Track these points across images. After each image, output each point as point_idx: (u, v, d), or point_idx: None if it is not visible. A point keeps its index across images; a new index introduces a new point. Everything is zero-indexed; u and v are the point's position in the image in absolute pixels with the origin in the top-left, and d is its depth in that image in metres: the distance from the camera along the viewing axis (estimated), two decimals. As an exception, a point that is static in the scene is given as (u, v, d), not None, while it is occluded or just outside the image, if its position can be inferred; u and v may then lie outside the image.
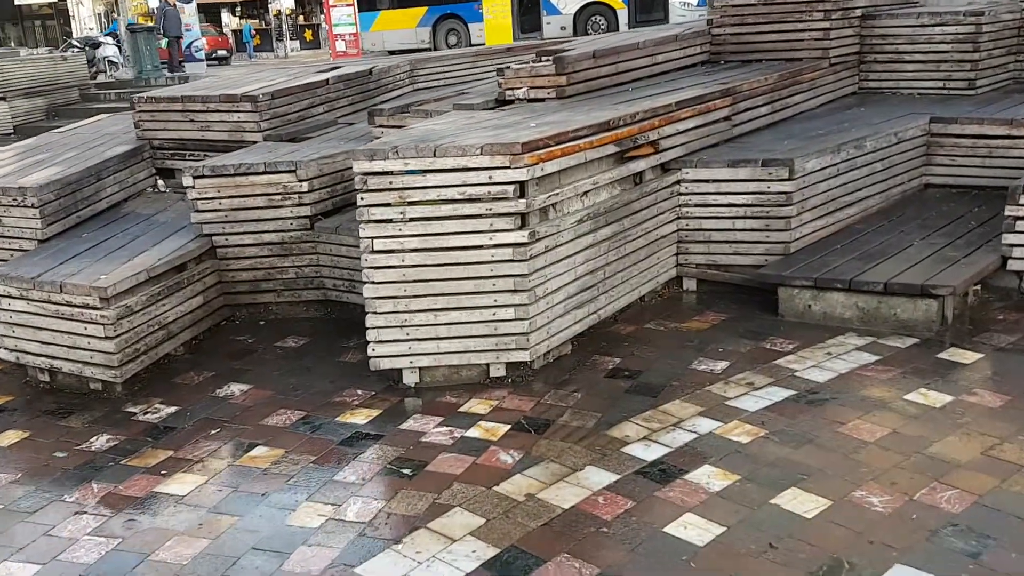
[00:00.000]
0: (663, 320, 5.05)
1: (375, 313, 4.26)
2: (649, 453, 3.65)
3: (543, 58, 5.62)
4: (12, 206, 5.24)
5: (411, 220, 4.17)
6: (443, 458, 3.71)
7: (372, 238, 4.18)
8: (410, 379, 4.39)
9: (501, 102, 5.69)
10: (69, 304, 4.43)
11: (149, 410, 4.37)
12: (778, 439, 3.71)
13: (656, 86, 6.09)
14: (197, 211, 5.21)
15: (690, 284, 5.52)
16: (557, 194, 4.37)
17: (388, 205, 4.17)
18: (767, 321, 4.94)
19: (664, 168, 5.34)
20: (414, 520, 3.28)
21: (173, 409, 4.36)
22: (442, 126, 4.81)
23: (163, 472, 3.78)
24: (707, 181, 5.34)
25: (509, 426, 3.95)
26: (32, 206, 5.19)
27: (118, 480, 3.74)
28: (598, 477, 3.50)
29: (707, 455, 3.61)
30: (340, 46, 24.12)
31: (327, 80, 7.13)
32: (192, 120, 6.38)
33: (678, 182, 5.34)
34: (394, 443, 3.87)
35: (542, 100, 5.66)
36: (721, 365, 4.44)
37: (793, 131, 6.11)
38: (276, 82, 6.76)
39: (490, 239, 4.18)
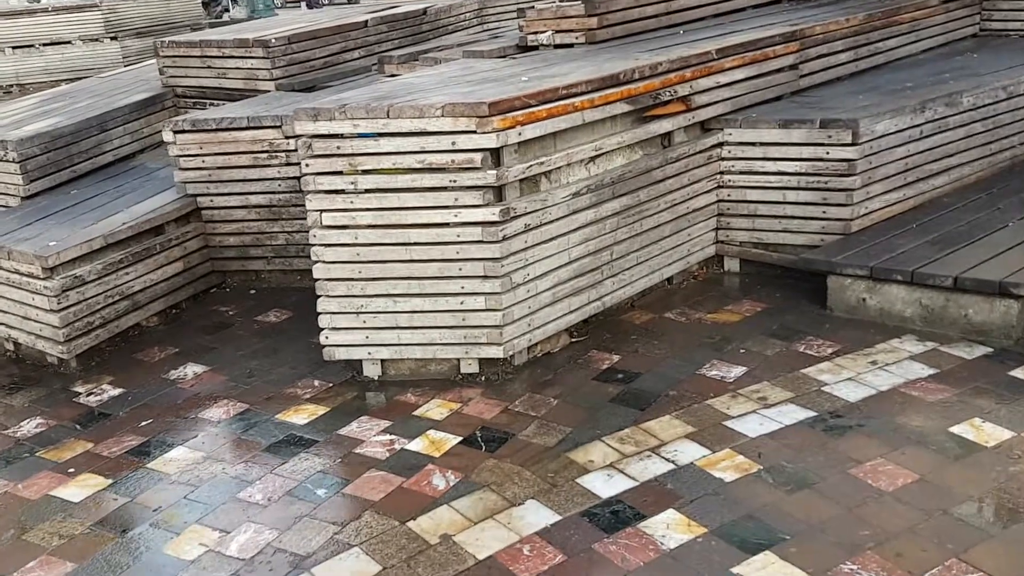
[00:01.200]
0: (688, 308, 4.32)
1: (327, 296, 3.72)
2: (608, 487, 3.00)
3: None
4: (1, 160, 4.96)
5: (365, 191, 3.59)
6: (369, 477, 3.17)
7: (320, 211, 3.62)
8: (371, 371, 3.85)
9: (523, 48, 4.98)
10: (17, 272, 4.09)
11: (94, 391, 4.01)
12: (771, 479, 2.98)
13: (716, 28, 5.23)
14: (180, 169, 4.78)
15: (732, 264, 4.74)
16: (542, 163, 3.69)
17: (339, 173, 3.59)
18: (812, 315, 4.13)
19: (704, 128, 4.54)
20: (300, 561, 2.77)
21: (118, 392, 3.98)
22: (422, 79, 4.18)
23: (71, 470, 3.40)
24: (753, 144, 4.51)
25: (459, 439, 3.37)
26: (12, 160, 4.89)
27: (22, 476, 3.38)
28: (536, 516, 2.88)
29: (677, 495, 2.94)
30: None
31: (365, 22, 6.56)
32: (210, 67, 5.95)
33: (719, 144, 4.54)
34: (323, 452, 3.35)
35: (570, 46, 4.92)
36: (736, 371, 3.70)
37: (878, 83, 5.16)
38: (299, 25, 6.24)
39: (455, 216, 3.56)
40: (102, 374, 4.15)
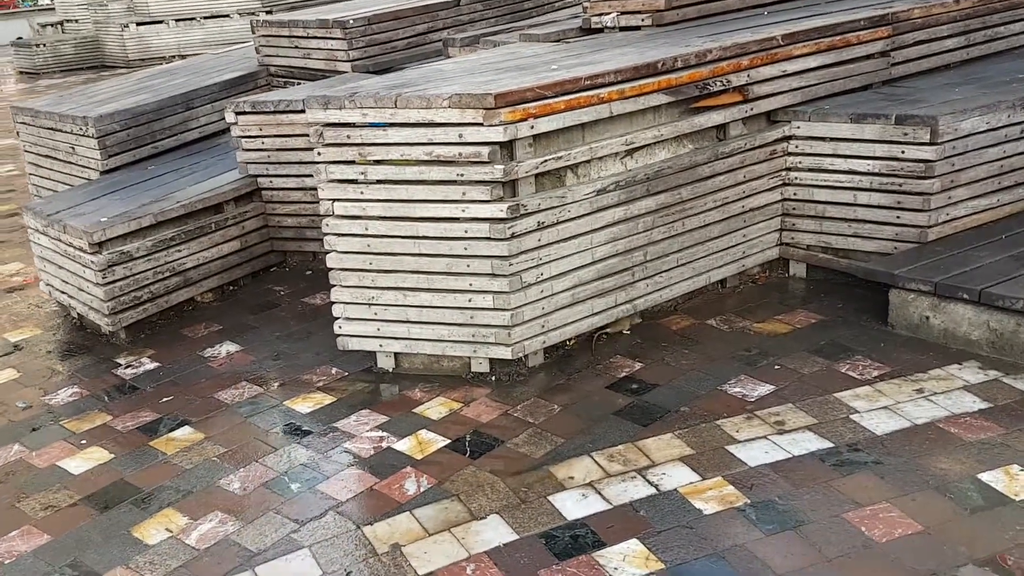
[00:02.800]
0: (735, 315, 4.03)
1: (341, 286, 3.69)
2: (578, 508, 2.83)
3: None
4: (81, 135, 5.20)
5: (375, 182, 3.52)
6: (346, 474, 3.12)
7: (332, 200, 3.58)
8: (385, 363, 3.80)
9: (586, 31, 4.76)
10: (71, 245, 4.28)
11: (133, 363, 4.15)
12: (755, 515, 2.72)
13: (805, 8, 4.82)
14: (242, 150, 4.87)
15: (798, 269, 4.39)
16: (560, 158, 3.50)
17: (351, 163, 3.53)
18: (869, 332, 3.77)
19: (770, 120, 4.21)
20: (250, 557, 2.75)
21: (154, 366, 4.11)
22: (457, 65, 4.04)
23: (83, 442, 3.52)
24: (823, 139, 4.14)
25: (448, 441, 3.26)
26: (92, 136, 5.11)
27: (39, 444, 3.53)
28: (493, 533, 2.75)
29: (647, 524, 2.73)
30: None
31: (457, 0, 6.46)
32: (297, 46, 6.02)
33: (786, 139, 4.19)
34: (313, 445, 3.33)
35: (636, 28, 4.66)
36: (762, 390, 3.42)
37: (987, 73, 4.62)
38: (384, 5, 6.21)
39: (463, 211, 3.43)
40: (146, 347, 4.29)
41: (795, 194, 4.26)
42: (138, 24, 16.40)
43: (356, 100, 3.41)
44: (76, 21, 17.96)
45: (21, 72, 17.37)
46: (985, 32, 4.91)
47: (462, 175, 3.39)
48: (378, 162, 3.49)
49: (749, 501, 2.79)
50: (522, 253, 3.46)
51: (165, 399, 3.79)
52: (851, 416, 3.20)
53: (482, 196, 3.39)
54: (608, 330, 3.87)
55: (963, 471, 2.84)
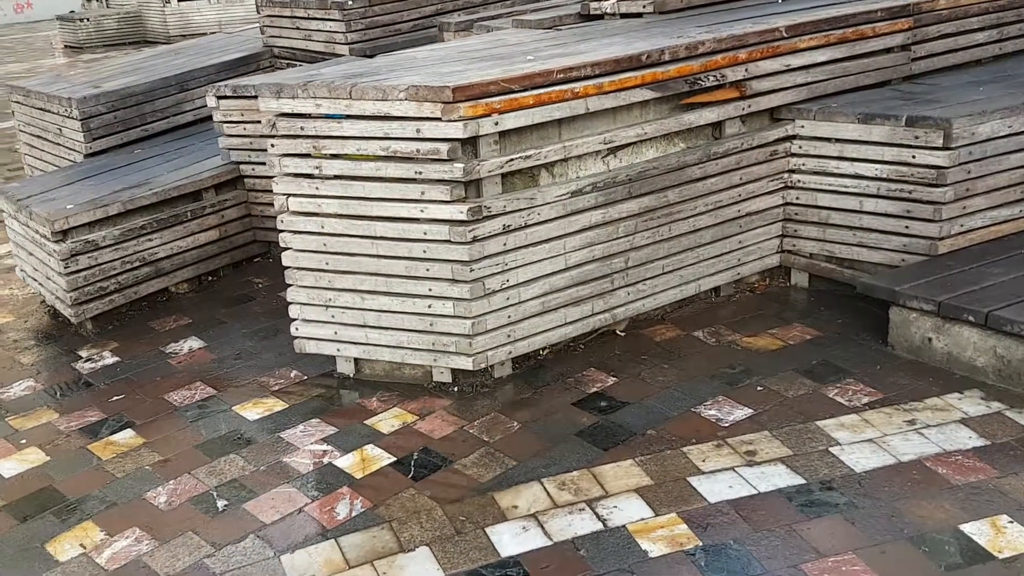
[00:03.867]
0: (726, 328, 3.75)
1: (297, 286, 3.48)
2: (515, 543, 2.60)
3: (637, -39, 4.29)
4: (67, 116, 5.07)
5: (332, 178, 3.30)
6: (276, 493, 2.92)
7: (287, 195, 3.37)
8: (345, 368, 3.59)
9: (585, 17, 4.47)
10: (37, 232, 4.14)
11: (93, 357, 4.00)
12: (703, 561, 2.46)
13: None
14: (225, 135, 4.69)
15: (800, 279, 4.08)
16: (528, 157, 3.24)
17: (306, 156, 3.32)
18: (867, 353, 3.46)
19: (773, 118, 3.90)
20: (155, 581, 2.57)
21: (113, 360, 3.96)
22: (432, 52, 3.79)
23: (23, 442, 3.38)
24: (828, 140, 3.82)
25: (393, 459, 3.05)
26: (75, 118, 4.97)
27: (-22, 442, 3.41)
28: (418, 568, 2.53)
29: (583, 566, 2.49)
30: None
31: (471, -18, 6.21)
32: (298, 27, 5.83)
33: (789, 138, 3.88)
34: (252, 457, 3.13)
35: (638, 15, 4.37)
36: (738, 414, 3.14)
37: (1020, 70, 4.25)
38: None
39: (422, 211, 3.20)
40: (110, 340, 4.15)
41: (798, 198, 3.95)
42: (180, 0, 16.41)
43: (310, 89, 3.19)
44: (121, -4, 18.04)
45: (66, 46, 17.51)
46: (1021, 26, 4.52)
47: (420, 173, 3.16)
48: (334, 156, 3.27)
49: (701, 544, 2.53)
50: (485, 258, 3.22)
51: (115, 398, 3.63)
52: (831, 449, 2.91)
53: (441, 196, 3.15)
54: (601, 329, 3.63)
55: (944, 520, 2.54)
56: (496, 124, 3.11)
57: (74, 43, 17.12)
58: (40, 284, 4.37)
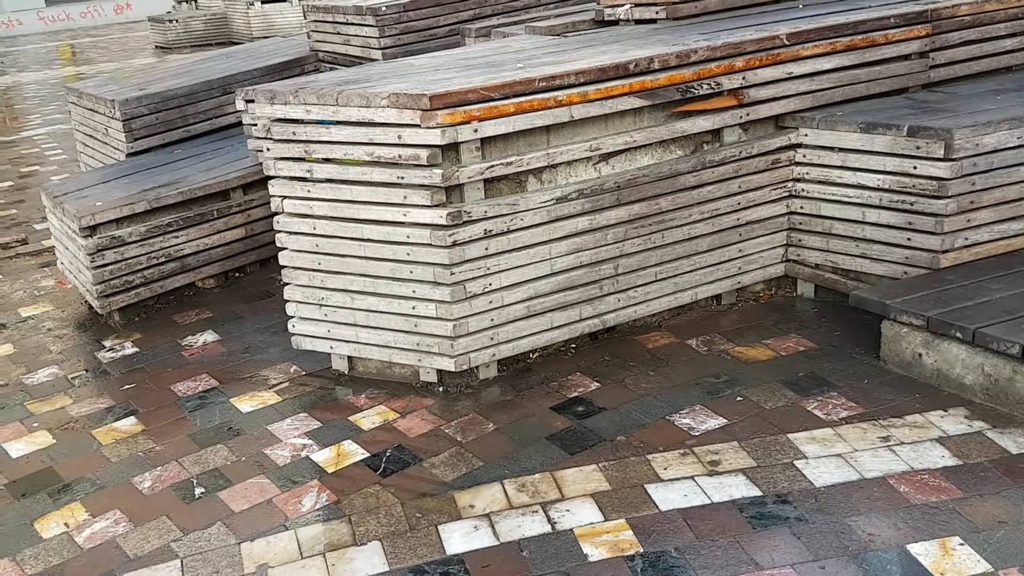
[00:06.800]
0: (721, 337, 3.73)
1: (294, 285, 3.61)
2: (463, 542, 2.66)
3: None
4: (111, 117, 5.33)
5: (323, 181, 3.42)
6: (251, 483, 3.05)
7: (282, 197, 3.50)
8: (339, 365, 3.71)
9: (599, 23, 4.49)
10: (69, 227, 4.38)
11: (115, 347, 4.22)
12: (640, 567, 2.49)
13: (847, 3, 4.40)
14: (253, 137, 4.86)
15: (806, 289, 4.03)
16: (510, 163, 3.29)
17: (299, 160, 3.44)
18: (857, 367, 3.41)
19: (778, 126, 3.86)
20: (123, 564, 2.71)
21: (132, 351, 4.17)
22: (431, 60, 3.87)
23: (35, 425, 3.60)
24: (831, 149, 3.77)
25: (367, 455, 3.15)
26: (117, 118, 5.23)
27: (-8, 425, 3.64)
28: (364, 563, 2.61)
29: (522, 567, 2.53)
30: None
31: (508, -14, 6.27)
32: (339, 32, 5.99)
33: (793, 146, 3.84)
34: (237, 448, 3.27)
35: (651, 21, 4.37)
36: (711, 423, 3.14)
37: (1048, 78, 4.11)
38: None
39: (404, 215, 3.28)
40: (134, 331, 4.36)
41: (802, 207, 3.90)
42: (263, 2, 16.90)
43: (300, 96, 3.31)
44: (209, -2, 18.72)
45: (157, 46, 18.24)
46: (1056, 31, 4.35)
47: (403, 178, 3.24)
48: (324, 160, 3.39)
49: (642, 550, 2.55)
50: (467, 262, 3.29)
51: (127, 386, 3.83)
52: (795, 462, 2.89)
53: (423, 200, 3.23)
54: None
55: (893, 539, 2.51)
56: (476, 131, 3.18)
57: (163, 43, 17.83)
58: (74, 276, 4.62)
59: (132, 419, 3.55)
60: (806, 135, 3.82)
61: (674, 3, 4.28)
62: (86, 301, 4.76)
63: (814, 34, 3.76)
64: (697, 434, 3.09)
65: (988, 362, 3.10)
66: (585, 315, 3.61)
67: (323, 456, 3.16)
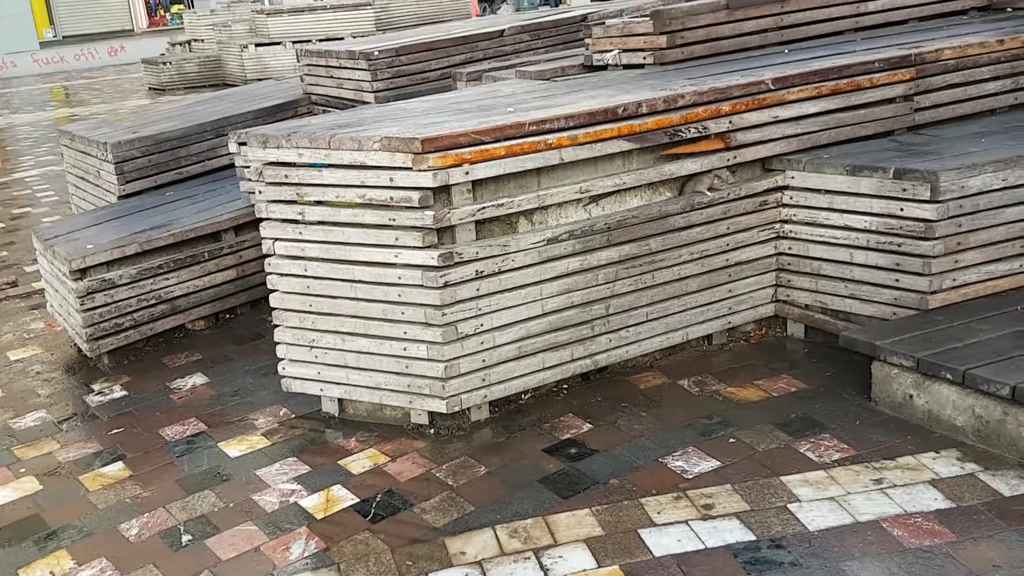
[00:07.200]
0: (712, 377, 3.73)
1: (284, 327, 3.61)
2: (454, 589, 2.63)
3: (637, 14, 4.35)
4: (103, 160, 5.34)
5: (315, 223, 3.42)
6: (239, 530, 3.01)
7: (274, 240, 3.51)
8: (329, 408, 3.70)
9: (588, 67, 4.54)
10: (59, 270, 4.37)
11: (104, 390, 4.19)
12: (634, 617, 2.46)
13: (828, 47, 4.46)
14: (245, 179, 4.88)
15: (796, 329, 4.04)
16: (501, 205, 3.31)
17: (291, 202, 3.45)
18: (849, 408, 3.41)
19: (765, 168, 3.90)
20: (108, 610, 2.68)
21: (121, 395, 4.14)
22: (422, 104, 3.91)
23: (22, 471, 3.56)
24: (818, 191, 3.80)
25: (357, 500, 3.12)
26: (109, 161, 5.24)
27: (-21, 471, 3.60)
28: (355, 609, 2.59)
29: (517, 615, 2.51)
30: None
31: (502, 31, 6.35)
32: (332, 76, 6.05)
33: (780, 188, 3.87)
34: (226, 493, 3.24)
35: (639, 66, 4.42)
36: (704, 466, 3.13)
37: (1032, 121, 4.16)
38: (419, 37, 6.15)
39: (395, 256, 3.29)
40: (123, 374, 4.33)
41: (790, 248, 3.92)
42: (257, 45, 17.04)
43: (293, 140, 3.33)
44: (203, 41, 18.86)
45: (150, 88, 18.34)
46: (1039, 74, 4.41)
47: (395, 220, 3.26)
48: (316, 203, 3.40)
49: (634, 600, 2.53)
50: (458, 303, 3.29)
51: (115, 431, 3.80)
52: (789, 505, 2.88)
53: (414, 242, 3.24)
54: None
55: (887, 585, 2.49)
56: (467, 174, 3.20)
57: (157, 85, 17.92)
58: (64, 319, 4.60)
59: (120, 464, 3.52)
60: (793, 177, 3.85)
61: (661, 49, 4.33)
62: (75, 344, 4.74)
63: (799, 79, 3.80)
64: (690, 477, 3.08)
65: (979, 403, 3.10)
66: (577, 355, 3.61)
67: (312, 502, 3.14)
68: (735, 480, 3.03)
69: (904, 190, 3.53)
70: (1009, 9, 5.30)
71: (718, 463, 3.14)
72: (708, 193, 3.61)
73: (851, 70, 3.91)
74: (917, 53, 4.07)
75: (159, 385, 4.19)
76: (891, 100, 4.06)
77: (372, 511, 3.05)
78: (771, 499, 2.92)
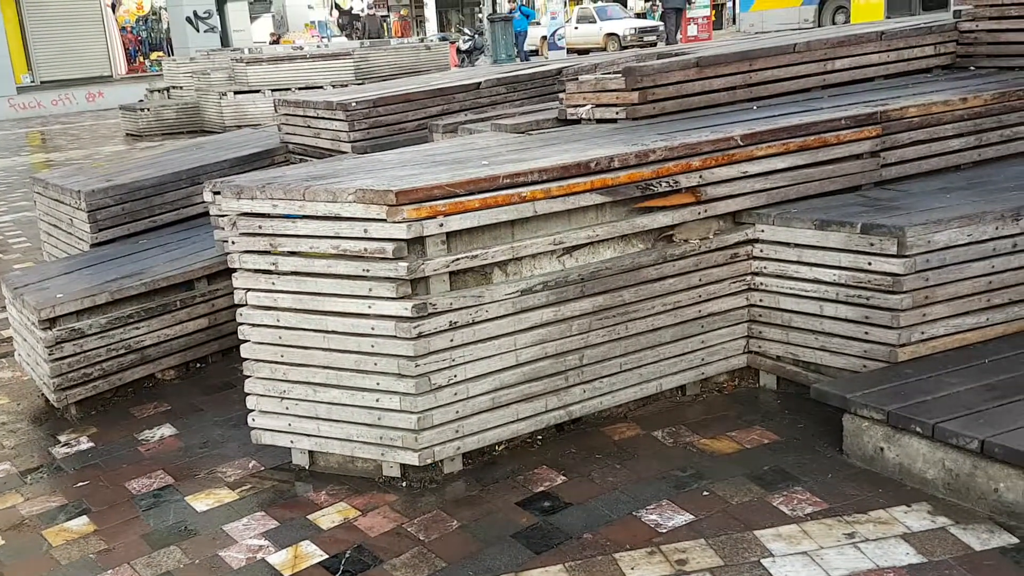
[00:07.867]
0: (686, 428, 3.73)
1: (255, 378, 3.58)
2: (424, 647, 2.59)
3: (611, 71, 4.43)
4: (76, 208, 5.32)
5: (288, 273, 3.42)
6: (205, 585, 2.96)
7: (246, 290, 3.49)
8: (300, 460, 3.65)
9: (563, 121, 4.60)
10: (28, 319, 4.32)
11: (70, 442, 4.12)
12: (606, 676, 2.43)
13: (797, 104, 4.56)
14: (219, 228, 4.86)
15: (768, 380, 4.06)
16: (475, 256, 3.32)
17: (264, 253, 3.45)
18: (821, 460, 3.42)
19: (736, 221, 3.94)
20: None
21: (88, 446, 4.07)
22: (397, 156, 3.94)
23: (-16, 526, 3.49)
24: (787, 244, 3.85)
25: (324, 557, 3.07)
26: (82, 209, 5.22)
27: (-59, 525, 3.52)
28: (322, 669, 2.53)
29: (487, 674, 2.47)
30: (692, 30, 22.88)
31: (478, 84, 6.43)
32: (309, 126, 6.08)
33: (751, 241, 3.91)
34: (191, 549, 3.18)
35: (612, 121, 4.48)
36: (678, 520, 3.11)
37: (996, 178, 4.25)
38: (396, 89, 6.21)
39: (369, 307, 3.29)
40: (90, 425, 4.27)
41: (761, 300, 3.96)
42: (236, 93, 17.11)
43: (267, 191, 3.34)
44: (181, 88, 18.91)
45: (128, 134, 18.33)
46: (1002, 132, 4.52)
47: (368, 271, 3.26)
48: (290, 253, 3.40)
49: (605, 657, 2.49)
50: (431, 354, 3.29)
51: (80, 484, 3.73)
52: (762, 560, 2.87)
53: (388, 293, 3.24)
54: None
55: (860, 641, 2.48)
56: (441, 225, 3.21)
57: (134, 131, 17.92)
58: (32, 369, 4.54)
59: (84, 518, 3.45)
60: (762, 231, 3.90)
61: (633, 104, 4.40)
62: (43, 394, 4.67)
63: (768, 135, 3.87)
64: (664, 531, 3.06)
65: (948, 457, 3.12)
66: (551, 406, 3.60)
67: (280, 558, 3.09)
68: (709, 534, 3.02)
69: (872, 244, 3.58)
70: (972, 68, 5.43)
71: (692, 516, 3.13)
72: (690, 240, 3.65)
73: (818, 127, 3.98)
74: (883, 111, 4.16)
75: (127, 436, 4.13)
76: (858, 156, 4.14)
77: (341, 567, 3.00)
78: (744, 554, 2.91)
